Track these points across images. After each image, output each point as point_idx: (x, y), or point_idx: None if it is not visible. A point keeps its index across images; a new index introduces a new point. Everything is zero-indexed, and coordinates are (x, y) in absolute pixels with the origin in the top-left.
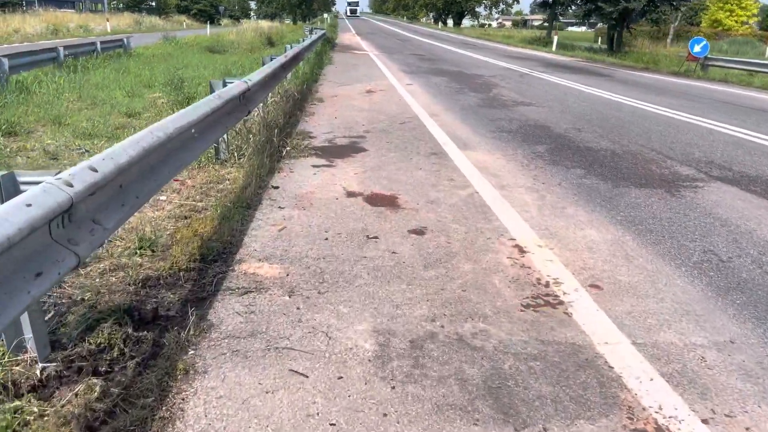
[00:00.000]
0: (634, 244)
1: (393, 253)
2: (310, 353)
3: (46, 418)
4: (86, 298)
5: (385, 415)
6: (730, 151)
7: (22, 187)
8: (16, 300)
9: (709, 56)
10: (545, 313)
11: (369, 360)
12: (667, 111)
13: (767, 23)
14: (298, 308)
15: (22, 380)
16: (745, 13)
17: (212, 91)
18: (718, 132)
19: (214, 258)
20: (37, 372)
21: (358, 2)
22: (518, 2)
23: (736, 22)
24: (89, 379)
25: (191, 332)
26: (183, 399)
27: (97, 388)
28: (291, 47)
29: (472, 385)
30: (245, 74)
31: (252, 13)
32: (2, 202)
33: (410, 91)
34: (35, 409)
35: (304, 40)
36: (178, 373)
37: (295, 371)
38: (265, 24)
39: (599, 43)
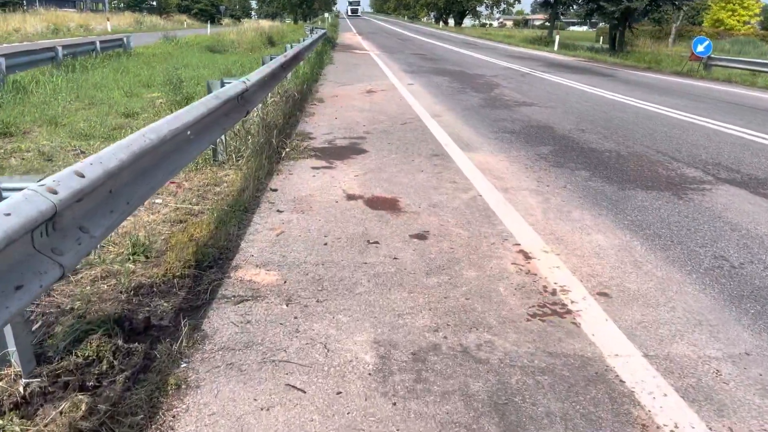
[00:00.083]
0: (643, 250)
1: (394, 258)
2: (308, 366)
3: None
4: (76, 307)
5: None
6: (737, 152)
7: (5, 194)
8: None
9: (712, 56)
10: (552, 322)
11: (369, 374)
12: (671, 111)
13: None
14: (295, 318)
15: (4, 397)
16: (747, 12)
17: (210, 91)
18: (724, 133)
19: (210, 264)
20: (20, 388)
21: (359, 2)
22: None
23: (738, 21)
24: (75, 395)
25: (184, 344)
26: (174, 416)
27: (83, 406)
28: (291, 47)
29: (478, 402)
30: (245, 74)
31: (253, 13)
32: None
33: (411, 91)
34: (17, 429)
35: (304, 40)
36: (169, 387)
37: (292, 386)
38: (265, 23)
39: (601, 43)
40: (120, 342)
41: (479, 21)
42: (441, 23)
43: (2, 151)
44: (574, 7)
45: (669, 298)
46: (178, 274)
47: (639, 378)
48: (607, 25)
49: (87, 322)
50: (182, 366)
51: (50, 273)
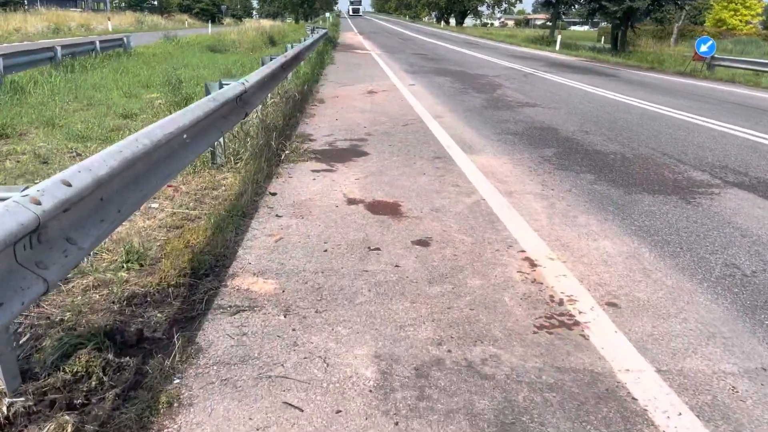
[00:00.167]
0: (651, 257)
1: (396, 266)
2: (306, 383)
3: None
4: (66, 318)
5: None
6: (745, 155)
7: None
8: None
9: (715, 56)
10: (560, 335)
11: (370, 390)
12: (676, 112)
13: None
14: (293, 330)
15: None
16: (750, 12)
17: (208, 93)
18: (730, 135)
19: (206, 272)
20: (4, 408)
21: (360, 1)
22: (521, 1)
23: (741, 21)
24: (61, 415)
25: (177, 358)
26: None
27: (69, 427)
28: (292, 47)
29: (484, 421)
30: (246, 74)
31: (254, 12)
32: None
33: (413, 92)
34: None
35: (305, 40)
36: (160, 406)
37: (290, 404)
38: (267, 23)
39: (602, 43)
40: (110, 356)
41: (480, 21)
42: (442, 23)
43: None
44: (576, 6)
45: (680, 308)
46: (173, 282)
47: (652, 395)
48: (609, 25)
49: (77, 336)
50: (175, 382)
51: (33, 288)
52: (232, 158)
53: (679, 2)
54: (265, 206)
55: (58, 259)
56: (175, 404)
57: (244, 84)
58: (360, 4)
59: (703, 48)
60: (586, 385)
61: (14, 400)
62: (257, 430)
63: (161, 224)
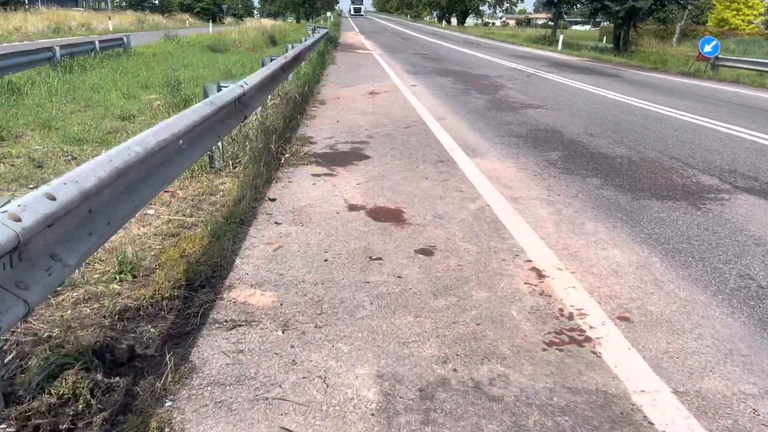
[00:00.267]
0: (663, 267)
1: (398, 277)
2: (305, 405)
3: None
4: (54, 334)
5: None
6: (754, 159)
7: None
8: None
9: (719, 56)
10: (571, 352)
11: (372, 414)
12: (681, 114)
13: None
14: (292, 346)
15: None
16: (752, 12)
17: (206, 95)
18: (737, 137)
19: (202, 283)
20: None
21: (362, 0)
22: (522, 1)
23: (743, 21)
24: None
25: (169, 378)
26: None
27: None
28: (292, 47)
29: None
30: (246, 74)
31: (255, 12)
32: None
33: (415, 93)
34: None
35: (306, 40)
36: (150, 431)
37: (287, 429)
38: (268, 22)
39: (604, 42)
40: (99, 376)
41: (482, 20)
42: (444, 22)
43: None
44: (578, 6)
45: (695, 323)
46: (167, 295)
47: (669, 419)
48: (611, 25)
49: (64, 355)
50: (167, 405)
51: (12, 311)
52: (230, 162)
53: (681, 2)
54: (264, 213)
55: (40, 278)
56: (166, 429)
57: (243, 86)
58: (361, 4)
59: (707, 48)
60: (600, 408)
61: None
62: None
63: (157, 232)
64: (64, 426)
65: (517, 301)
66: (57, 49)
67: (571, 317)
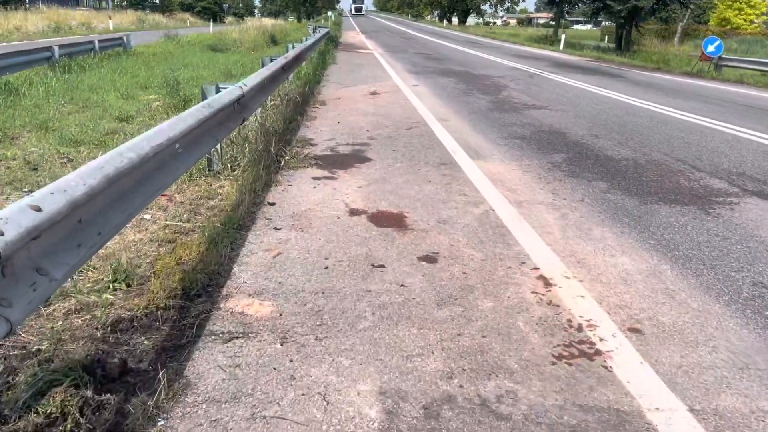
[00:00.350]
0: (673, 275)
1: (401, 286)
2: (304, 425)
3: None
4: (43, 348)
5: None
6: (761, 161)
7: None
8: None
9: (722, 56)
10: (581, 366)
11: None
12: (686, 115)
13: None
14: (291, 360)
15: None
16: (754, 11)
17: (204, 97)
18: (744, 139)
19: (198, 292)
20: None
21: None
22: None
23: (745, 20)
24: None
25: (162, 396)
26: None
27: None
28: (293, 47)
29: None
30: (246, 74)
31: (256, 11)
32: None
33: (416, 93)
34: None
35: (307, 39)
36: None
37: None
38: (268, 22)
39: (606, 42)
40: (89, 393)
41: (483, 19)
42: (445, 22)
43: None
44: (580, 5)
45: (709, 335)
46: (162, 305)
47: None
48: (612, 24)
49: (53, 370)
50: (159, 424)
51: None
52: (229, 165)
53: (683, 1)
54: (263, 217)
55: (24, 294)
56: None
57: (242, 87)
58: (362, 3)
59: (711, 48)
60: (613, 428)
61: None
62: None
63: (153, 238)
64: None
65: (524, 311)
66: (56, 48)
67: (580, 329)
